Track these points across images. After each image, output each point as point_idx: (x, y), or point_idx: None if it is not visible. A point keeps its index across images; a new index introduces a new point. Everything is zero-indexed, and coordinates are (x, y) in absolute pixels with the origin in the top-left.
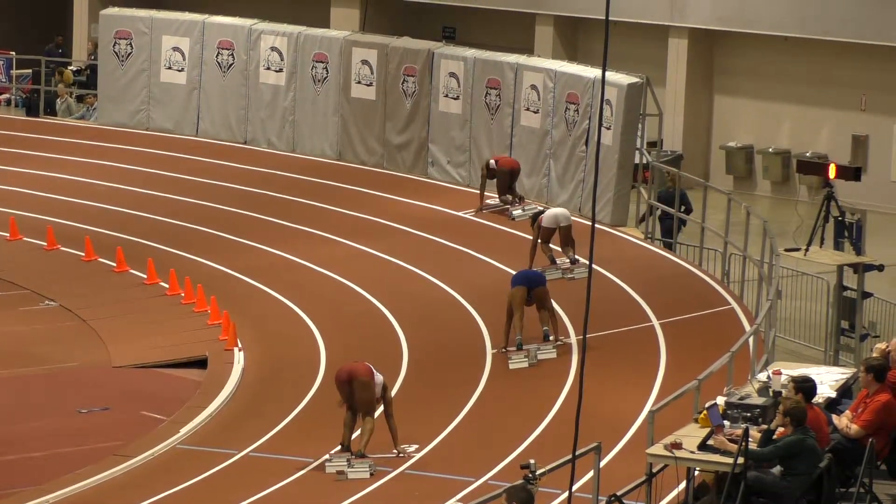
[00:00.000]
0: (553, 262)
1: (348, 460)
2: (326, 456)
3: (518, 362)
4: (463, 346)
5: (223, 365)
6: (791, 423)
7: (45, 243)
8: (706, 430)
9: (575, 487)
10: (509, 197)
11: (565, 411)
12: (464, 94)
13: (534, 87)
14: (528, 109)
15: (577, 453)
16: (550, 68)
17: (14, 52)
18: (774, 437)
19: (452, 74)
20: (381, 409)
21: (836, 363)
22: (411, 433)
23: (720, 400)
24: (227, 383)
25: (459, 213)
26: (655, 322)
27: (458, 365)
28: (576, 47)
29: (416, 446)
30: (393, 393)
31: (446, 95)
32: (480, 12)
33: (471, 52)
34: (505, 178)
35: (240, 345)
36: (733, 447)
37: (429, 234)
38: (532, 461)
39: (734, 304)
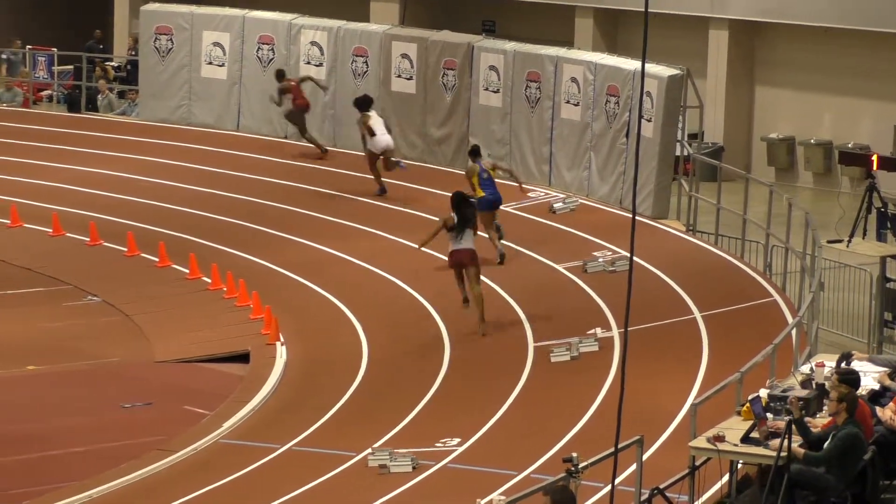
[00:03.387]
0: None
1: (391, 453)
2: (369, 450)
3: (560, 355)
4: (504, 339)
5: (265, 359)
6: (846, 410)
7: (88, 239)
8: (749, 423)
9: (618, 481)
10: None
11: (607, 404)
12: (504, 88)
13: (574, 79)
14: (568, 102)
15: (620, 446)
16: (590, 61)
17: (56, 49)
18: (820, 427)
19: (492, 68)
20: None
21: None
22: (453, 427)
23: (763, 392)
24: (269, 378)
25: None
26: (697, 314)
27: (499, 358)
28: (615, 39)
29: (458, 440)
30: (434, 387)
31: (486, 89)
32: (520, 5)
33: (511, 46)
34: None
35: (282, 339)
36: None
37: None
38: (574, 455)
39: (777, 297)
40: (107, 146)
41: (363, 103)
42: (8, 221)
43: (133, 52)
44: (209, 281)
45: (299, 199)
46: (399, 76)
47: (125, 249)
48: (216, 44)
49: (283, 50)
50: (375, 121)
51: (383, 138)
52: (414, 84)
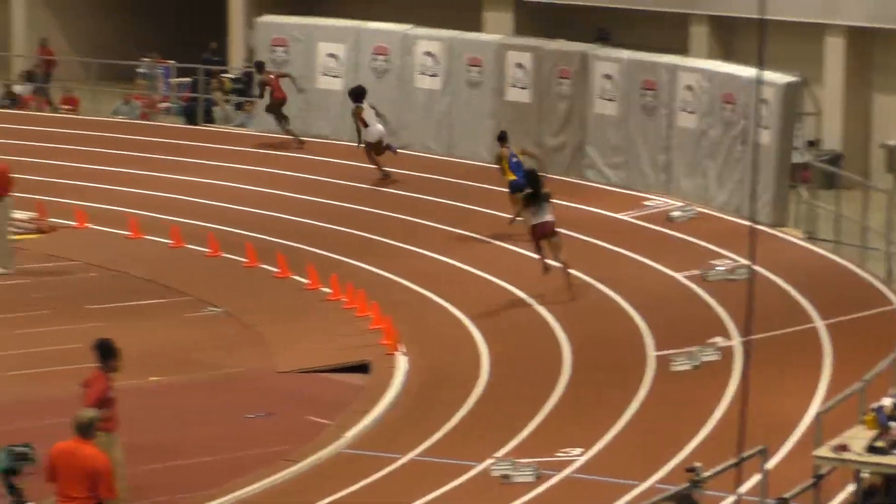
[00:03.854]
0: None
1: (513, 463)
2: (491, 460)
3: (681, 364)
4: (624, 348)
5: (386, 369)
6: None
7: (208, 250)
8: (873, 432)
9: (741, 491)
10: None
11: (729, 414)
12: (619, 96)
13: (689, 87)
14: (684, 110)
15: (743, 456)
16: (706, 68)
17: (173, 61)
18: None
19: (607, 76)
20: None
21: None
22: (574, 436)
23: (887, 401)
24: (389, 388)
25: (617, 216)
26: (819, 323)
27: (620, 367)
28: (731, 47)
29: (581, 449)
30: (555, 396)
31: (601, 97)
32: (634, 14)
33: (625, 54)
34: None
35: (402, 349)
36: None
37: (586, 236)
38: (698, 464)
39: None
40: (224, 158)
41: (357, 95)
42: (128, 233)
43: (249, 65)
44: (329, 291)
45: (416, 208)
46: (514, 86)
47: (245, 260)
48: (331, 55)
49: (398, 61)
50: (368, 112)
51: (376, 128)
52: (528, 93)
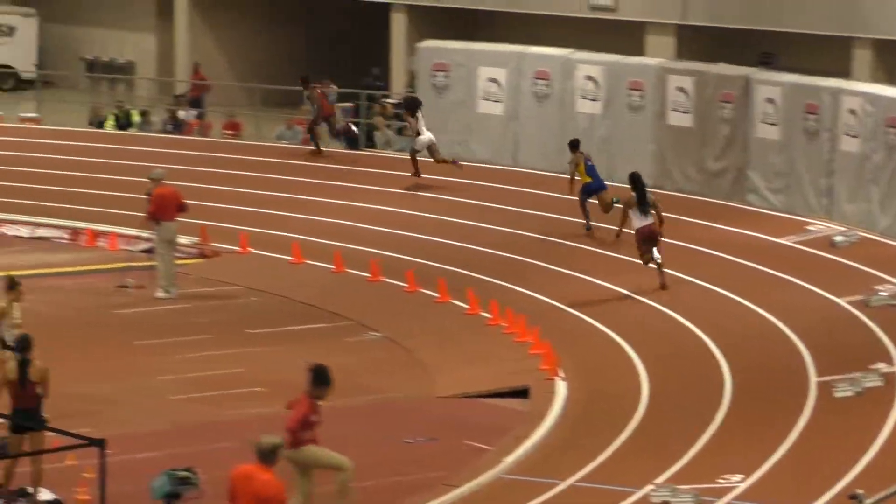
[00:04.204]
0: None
1: (673, 490)
2: (650, 486)
3: (843, 391)
4: (786, 373)
5: (545, 394)
6: None
7: (369, 275)
8: None
9: None
10: None
11: (893, 440)
12: (781, 120)
13: (852, 111)
14: (846, 134)
15: None
16: (869, 92)
17: (335, 86)
18: None
19: (769, 100)
20: None
21: None
22: (735, 463)
23: None
24: (549, 413)
25: (779, 240)
26: None
27: (781, 393)
28: (894, 70)
29: (741, 476)
30: (715, 422)
31: (764, 121)
32: (797, 37)
33: (787, 78)
34: None
35: (561, 375)
36: None
37: (749, 261)
38: (860, 491)
39: None
40: (385, 182)
41: (411, 104)
42: (290, 258)
43: (410, 89)
44: (489, 316)
45: (575, 233)
46: (675, 110)
47: (405, 285)
48: (492, 80)
49: (559, 85)
50: (420, 122)
51: (426, 136)
52: (690, 117)
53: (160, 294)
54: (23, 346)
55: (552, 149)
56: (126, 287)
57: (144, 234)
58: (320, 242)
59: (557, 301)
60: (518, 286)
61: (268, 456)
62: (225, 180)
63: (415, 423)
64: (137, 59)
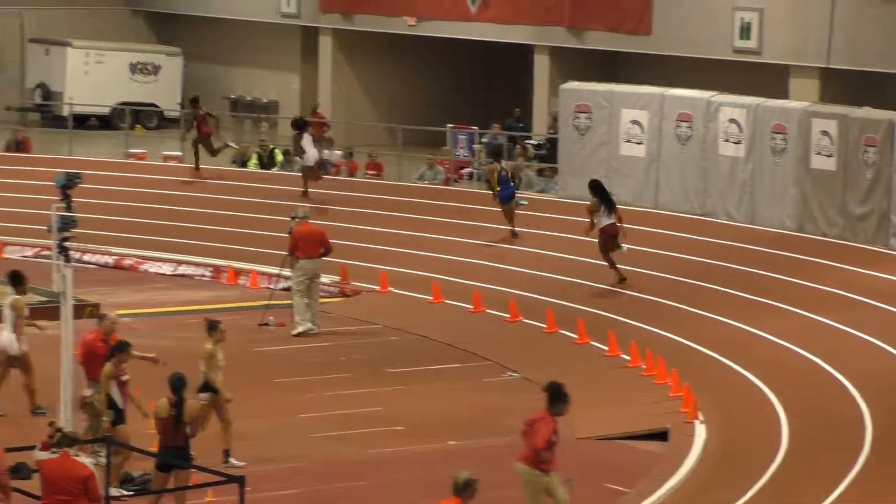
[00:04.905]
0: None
1: None
2: None
3: None
4: None
5: (684, 437)
6: None
7: (508, 315)
8: None
9: None
10: None
11: None
12: None
13: None
14: None
15: None
16: None
17: (476, 127)
18: None
19: None
20: None
21: None
22: None
23: None
24: (688, 456)
25: None
26: None
27: None
28: None
29: None
30: (856, 468)
31: None
32: None
33: None
34: None
35: (701, 417)
36: None
37: (891, 306)
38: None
39: None
40: (526, 223)
41: (300, 124)
42: (430, 297)
43: (552, 131)
44: (628, 358)
45: (715, 276)
46: (818, 153)
47: (544, 326)
48: (634, 121)
49: (702, 127)
50: (307, 140)
51: (313, 152)
52: (834, 161)
53: (298, 330)
54: (178, 385)
55: (694, 191)
56: (267, 325)
57: (285, 272)
58: (459, 282)
59: (696, 343)
60: (657, 328)
61: (462, 489)
62: (366, 220)
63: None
64: (281, 98)
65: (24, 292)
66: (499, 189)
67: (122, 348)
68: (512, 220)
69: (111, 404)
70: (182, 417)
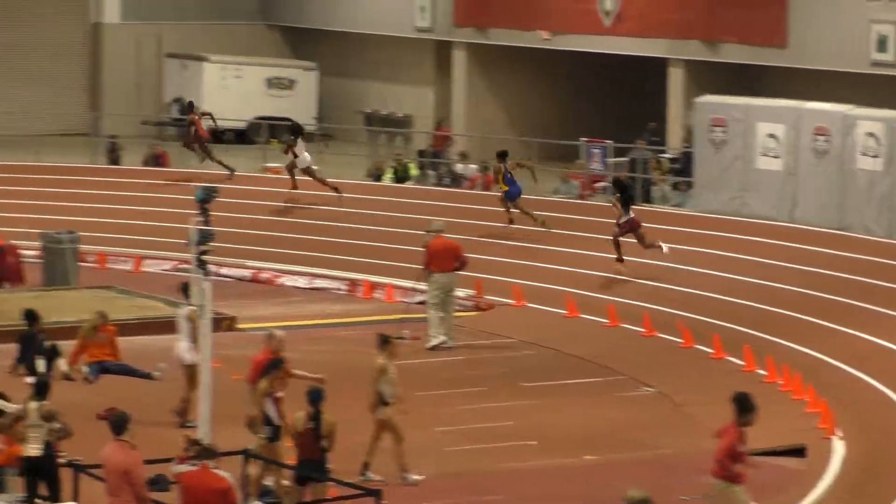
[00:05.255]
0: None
1: None
2: None
3: None
4: None
5: (822, 454)
6: None
7: (643, 330)
8: None
9: None
10: None
11: None
12: None
13: None
14: None
15: None
16: None
17: (611, 141)
18: None
19: None
20: None
21: None
22: None
23: None
24: (826, 473)
25: None
26: None
27: None
28: None
29: None
30: None
31: None
32: None
33: None
34: None
35: (838, 433)
36: None
37: None
38: None
39: None
40: (661, 238)
41: (296, 130)
42: (564, 312)
43: (687, 144)
44: (765, 373)
45: (853, 290)
46: None
47: (680, 341)
48: (771, 135)
49: (838, 141)
50: (300, 146)
51: (306, 156)
52: None
53: (432, 343)
54: (316, 398)
55: (831, 205)
56: (402, 338)
57: (420, 285)
58: (594, 297)
59: (834, 359)
60: (795, 343)
61: None
62: (500, 234)
63: (689, 480)
64: (415, 112)
65: None
66: (506, 189)
67: (276, 365)
68: (530, 215)
69: (267, 421)
70: (320, 431)
